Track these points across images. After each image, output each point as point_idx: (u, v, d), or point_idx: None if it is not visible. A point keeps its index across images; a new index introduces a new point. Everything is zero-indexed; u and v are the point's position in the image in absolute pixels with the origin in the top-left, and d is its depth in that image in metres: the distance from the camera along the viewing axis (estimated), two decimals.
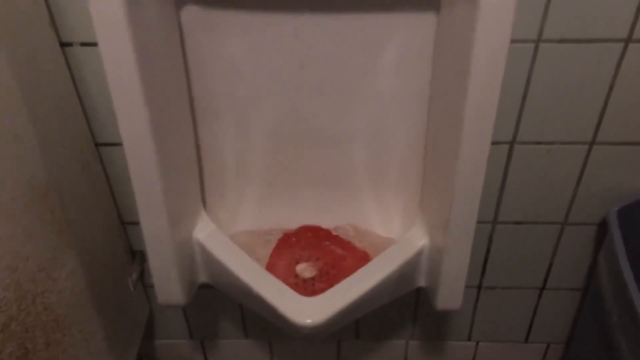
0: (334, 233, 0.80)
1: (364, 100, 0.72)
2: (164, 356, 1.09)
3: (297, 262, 0.77)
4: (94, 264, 0.76)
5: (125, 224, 0.88)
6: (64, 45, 0.70)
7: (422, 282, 0.74)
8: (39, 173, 0.62)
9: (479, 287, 0.95)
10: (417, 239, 0.71)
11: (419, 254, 0.71)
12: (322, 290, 0.73)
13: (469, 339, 1.04)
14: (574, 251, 0.89)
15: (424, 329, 1.03)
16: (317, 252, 0.78)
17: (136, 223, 0.64)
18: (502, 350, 1.06)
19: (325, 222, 0.81)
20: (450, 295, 0.69)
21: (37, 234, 0.61)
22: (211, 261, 0.71)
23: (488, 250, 0.90)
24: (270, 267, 0.76)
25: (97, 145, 0.79)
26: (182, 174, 0.70)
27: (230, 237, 0.74)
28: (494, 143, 0.64)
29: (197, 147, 0.74)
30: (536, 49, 0.68)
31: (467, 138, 0.58)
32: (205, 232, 0.72)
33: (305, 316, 0.64)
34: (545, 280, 0.93)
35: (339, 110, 0.73)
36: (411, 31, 0.66)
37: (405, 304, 0.99)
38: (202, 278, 0.75)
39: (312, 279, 0.75)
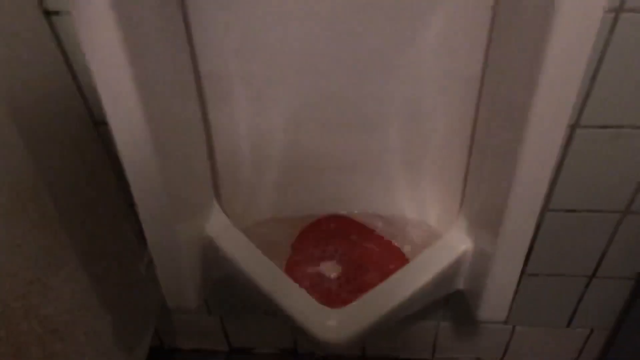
0: (363, 223, 0.72)
1: (400, 78, 0.61)
2: (183, 331, 1.05)
3: (321, 258, 0.69)
4: (98, 256, 0.69)
5: (133, 205, 0.80)
6: (49, 13, 0.60)
7: (460, 285, 0.66)
8: (24, 174, 0.54)
9: (521, 273, 0.86)
10: (459, 241, 0.62)
11: (460, 259, 0.62)
12: (348, 292, 0.66)
13: (506, 322, 0.97)
14: (633, 240, 0.79)
15: (455, 310, 0.96)
16: (343, 246, 0.70)
17: None
18: (541, 335, 0.98)
19: (353, 212, 0.72)
20: (495, 306, 0.61)
21: (25, 244, 0.53)
22: (225, 262, 0.64)
23: (534, 238, 0.80)
24: (291, 264, 0.68)
25: (96, 124, 0.70)
26: (189, 163, 0.61)
27: (248, 229, 0.67)
28: None
29: (209, 132, 0.65)
30: (615, 19, 0.55)
31: (535, 128, 0.47)
32: (218, 228, 0.64)
33: (329, 331, 0.57)
34: (596, 269, 0.84)
35: (371, 88, 0.62)
36: None
37: None
38: (216, 276, 0.68)
39: (338, 278, 0.68)
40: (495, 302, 0.61)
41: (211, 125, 0.64)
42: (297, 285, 0.60)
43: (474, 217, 0.62)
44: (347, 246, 0.70)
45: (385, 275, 0.65)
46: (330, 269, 0.68)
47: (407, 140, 0.66)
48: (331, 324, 0.57)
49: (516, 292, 0.90)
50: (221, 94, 0.63)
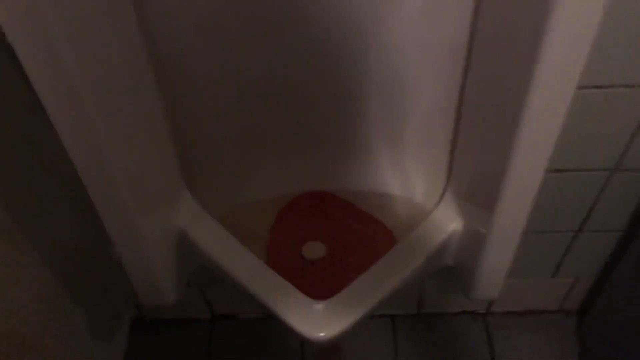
0: (344, 200, 0.67)
1: (379, 43, 0.55)
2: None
3: (303, 239, 0.65)
4: (62, 250, 0.64)
5: None
6: None
7: (449, 261, 0.63)
8: None
9: None
10: (447, 220, 0.58)
11: (449, 238, 0.59)
12: (334, 276, 0.62)
13: None
14: (621, 195, 0.77)
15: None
16: (325, 225, 0.66)
17: None
18: (526, 285, 0.98)
19: (332, 189, 0.67)
20: (488, 286, 0.59)
21: None
22: (199, 254, 0.59)
23: None
24: (271, 247, 0.65)
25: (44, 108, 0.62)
26: (149, 148, 0.54)
27: (223, 216, 0.62)
28: None
29: (171, 112, 0.58)
30: None
31: (540, 91, 0.41)
32: (189, 218, 0.60)
33: (316, 328, 0.53)
34: (582, 223, 0.82)
35: (347, 54, 0.56)
36: None
37: None
38: (193, 269, 0.64)
39: (322, 259, 0.64)
40: (488, 282, 0.58)
41: (173, 104, 0.58)
42: (279, 276, 0.57)
43: (463, 193, 0.58)
44: (330, 225, 0.66)
45: (372, 254, 0.62)
46: (314, 251, 0.64)
47: (387, 110, 0.61)
48: (318, 319, 0.54)
49: None
50: (180, 66, 0.56)
